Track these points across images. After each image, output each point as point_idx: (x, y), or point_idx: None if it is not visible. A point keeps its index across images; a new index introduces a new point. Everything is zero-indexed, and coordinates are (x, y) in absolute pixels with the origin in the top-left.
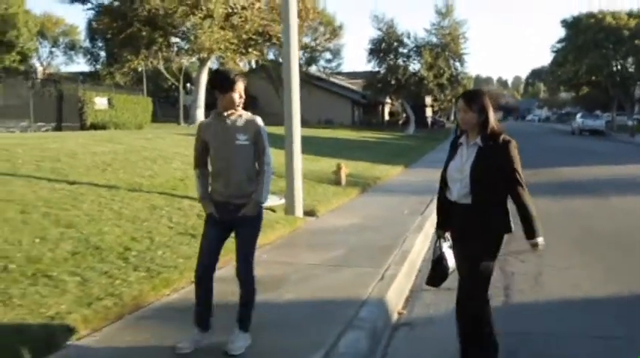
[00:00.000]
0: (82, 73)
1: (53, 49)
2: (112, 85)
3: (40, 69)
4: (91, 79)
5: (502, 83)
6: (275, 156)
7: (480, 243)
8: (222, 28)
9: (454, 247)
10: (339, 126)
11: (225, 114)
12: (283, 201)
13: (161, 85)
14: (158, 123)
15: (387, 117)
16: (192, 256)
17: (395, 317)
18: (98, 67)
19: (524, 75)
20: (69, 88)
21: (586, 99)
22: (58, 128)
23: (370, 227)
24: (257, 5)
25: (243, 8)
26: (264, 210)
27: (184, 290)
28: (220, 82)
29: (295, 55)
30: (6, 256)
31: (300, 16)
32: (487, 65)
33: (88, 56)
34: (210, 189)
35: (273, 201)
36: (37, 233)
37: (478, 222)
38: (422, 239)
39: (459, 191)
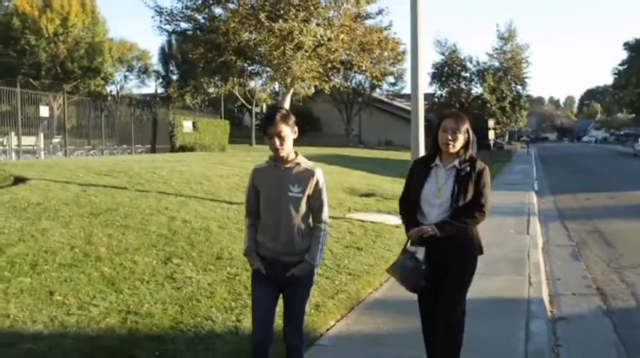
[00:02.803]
0: (154, 95)
1: (127, 73)
2: (181, 106)
3: (111, 91)
4: (162, 101)
5: (554, 103)
6: (352, 178)
7: (461, 266)
8: (309, 57)
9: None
10: (400, 147)
11: (279, 161)
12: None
13: (229, 107)
14: (230, 144)
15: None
16: (372, 264)
17: (549, 314)
18: (170, 90)
19: (577, 94)
20: (160, 112)
21: None
22: (153, 150)
23: (492, 244)
24: (341, 37)
25: (329, 40)
26: (315, 271)
27: (381, 288)
28: (261, 124)
29: (421, 97)
30: (232, 257)
31: (380, 46)
32: (538, 84)
33: (160, 79)
34: (257, 241)
35: (392, 220)
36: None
37: (457, 246)
38: (541, 253)
39: (438, 216)
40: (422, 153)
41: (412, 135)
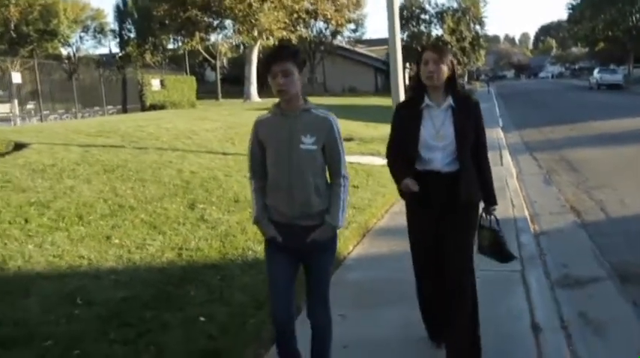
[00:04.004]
0: (112, 55)
1: (82, 34)
2: (142, 65)
3: (69, 53)
4: (121, 60)
5: (509, 40)
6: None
7: (472, 212)
8: (275, 9)
9: (427, 219)
10: (363, 93)
11: (286, 107)
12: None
13: (190, 63)
14: (197, 99)
15: (407, 81)
16: (371, 198)
17: (532, 230)
18: (129, 48)
19: (531, 31)
20: (128, 72)
21: (600, 53)
22: (124, 110)
23: None
24: None
25: None
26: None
27: (383, 219)
28: (265, 61)
29: (399, 47)
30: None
31: None
32: (493, 23)
33: (118, 39)
34: (268, 206)
35: (377, 161)
36: None
37: (466, 190)
38: (517, 181)
39: (443, 159)
40: (402, 98)
41: (392, 81)
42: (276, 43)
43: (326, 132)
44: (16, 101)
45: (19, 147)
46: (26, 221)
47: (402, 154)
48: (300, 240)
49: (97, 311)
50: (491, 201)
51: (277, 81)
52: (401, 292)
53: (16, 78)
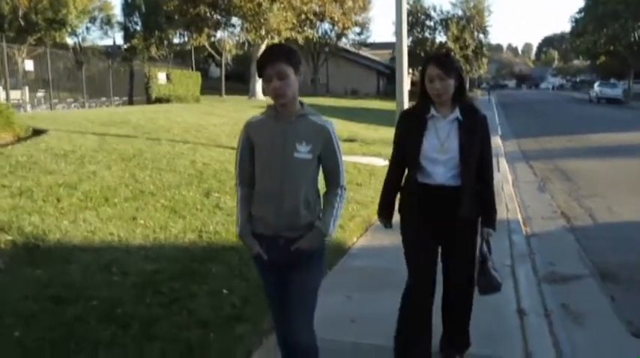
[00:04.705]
0: (118, 47)
1: (89, 25)
2: (147, 58)
3: (75, 43)
4: (127, 52)
5: (512, 50)
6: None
7: (473, 227)
8: (284, 9)
9: (425, 236)
10: (364, 96)
11: (281, 111)
12: (387, 162)
13: (195, 58)
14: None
15: (408, 87)
16: (374, 196)
17: (524, 232)
18: (134, 41)
19: (534, 42)
20: (135, 65)
21: (602, 67)
22: (130, 102)
23: None
24: None
25: None
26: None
27: None
28: (257, 64)
29: (405, 50)
30: None
31: None
32: (496, 32)
33: (124, 31)
34: (252, 217)
35: (379, 162)
36: None
37: (466, 207)
38: (512, 187)
39: (445, 173)
40: (405, 100)
41: (397, 84)
42: (283, 42)
43: (323, 141)
44: (27, 88)
45: (37, 132)
46: (58, 200)
47: (402, 170)
48: (285, 253)
49: (133, 280)
50: (489, 223)
51: (272, 85)
52: (401, 279)
53: (29, 65)
